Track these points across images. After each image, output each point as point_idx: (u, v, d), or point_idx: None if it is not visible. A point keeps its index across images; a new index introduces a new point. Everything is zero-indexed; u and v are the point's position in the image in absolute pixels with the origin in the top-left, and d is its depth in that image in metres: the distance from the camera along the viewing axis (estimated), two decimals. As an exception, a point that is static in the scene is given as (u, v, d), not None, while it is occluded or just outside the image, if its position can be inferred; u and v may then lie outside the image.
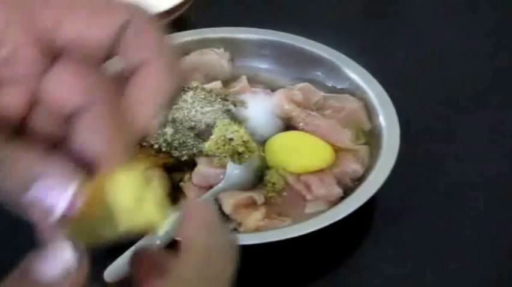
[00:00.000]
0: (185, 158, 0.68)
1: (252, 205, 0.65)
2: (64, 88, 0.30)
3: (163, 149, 0.68)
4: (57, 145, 0.31)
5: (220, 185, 0.64)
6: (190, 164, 0.68)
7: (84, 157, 0.30)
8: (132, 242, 0.55)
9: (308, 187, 0.66)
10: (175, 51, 0.31)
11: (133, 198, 0.30)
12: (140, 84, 0.30)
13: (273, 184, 0.65)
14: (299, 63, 0.79)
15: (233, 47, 0.80)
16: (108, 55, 0.30)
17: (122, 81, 0.31)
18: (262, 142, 0.70)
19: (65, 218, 0.28)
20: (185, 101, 0.72)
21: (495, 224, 0.68)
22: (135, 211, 0.30)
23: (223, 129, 0.64)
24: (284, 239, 0.60)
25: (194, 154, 0.68)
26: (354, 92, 0.75)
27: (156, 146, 0.68)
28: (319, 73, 0.78)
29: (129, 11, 0.30)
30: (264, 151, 0.68)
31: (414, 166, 0.72)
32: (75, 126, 0.30)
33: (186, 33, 0.80)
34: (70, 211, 0.28)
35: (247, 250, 0.61)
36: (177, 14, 0.86)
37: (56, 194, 0.28)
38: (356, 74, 0.76)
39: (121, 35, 0.30)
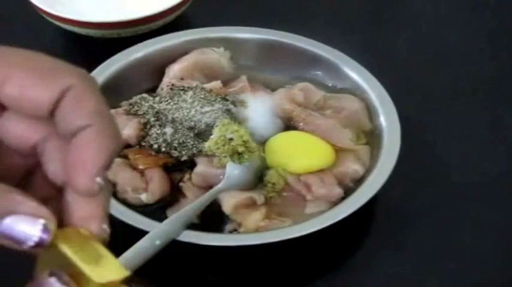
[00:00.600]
0: (185, 158, 0.68)
1: (252, 205, 0.65)
2: (22, 126, 0.33)
3: (163, 149, 0.68)
4: (27, 175, 0.34)
5: (220, 185, 0.65)
6: (190, 164, 0.68)
7: (54, 183, 0.33)
8: (131, 243, 0.55)
9: (308, 187, 0.66)
10: (111, 116, 0.33)
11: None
12: (79, 148, 0.31)
13: (273, 184, 0.65)
14: (299, 63, 0.79)
15: (233, 47, 0.80)
16: (50, 115, 0.32)
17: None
18: (262, 142, 0.70)
19: (36, 249, 0.30)
20: (185, 100, 0.72)
21: (497, 225, 0.68)
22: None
23: (223, 129, 0.64)
24: (284, 239, 0.60)
25: (194, 154, 0.68)
26: (355, 91, 0.75)
27: (155, 146, 0.68)
28: (319, 72, 0.78)
29: (73, 75, 0.32)
30: (264, 151, 0.68)
31: (415, 166, 0.72)
32: (42, 156, 0.33)
33: (185, 32, 0.80)
34: (39, 245, 0.30)
35: (247, 251, 0.62)
36: (177, 13, 0.87)
37: (25, 229, 0.30)
38: (356, 74, 0.76)
39: (61, 99, 0.31)
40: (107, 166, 0.31)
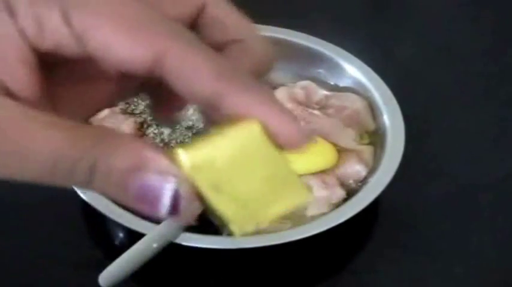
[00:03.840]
0: (183, 158, 0.68)
1: (251, 207, 0.65)
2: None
3: (160, 150, 0.68)
4: None
5: (219, 186, 0.64)
6: (188, 165, 0.68)
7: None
8: (128, 246, 0.55)
9: (309, 188, 0.66)
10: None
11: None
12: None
13: (274, 185, 0.65)
14: (300, 61, 0.79)
15: (232, 44, 0.80)
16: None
17: None
18: (263, 142, 0.70)
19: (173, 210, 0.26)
20: (183, 99, 0.72)
21: (502, 228, 0.68)
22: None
23: (222, 128, 0.64)
24: (285, 242, 0.60)
25: (192, 154, 0.68)
26: (357, 90, 0.75)
27: (152, 146, 0.68)
28: (321, 71, 0.78)
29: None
30: (264, 151, 0.68)
31: (419, 167, 0.72)
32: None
33: (183, 29, 0.80)
34: (173, 208, 0.26)
35: (246, 254, 0.62)
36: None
37: (156, 190, 0.26)
38: (359, 72, 0.76)
39: (200, 16, 0.29)
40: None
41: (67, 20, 0.26)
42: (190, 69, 0.26)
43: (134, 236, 0.56)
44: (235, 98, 0.27)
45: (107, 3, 0.27)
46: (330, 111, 0.74)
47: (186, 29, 0.28)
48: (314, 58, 0.78)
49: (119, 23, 0.26)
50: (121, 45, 0.26)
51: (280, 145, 0.29)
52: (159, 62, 0.26)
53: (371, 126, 0.73)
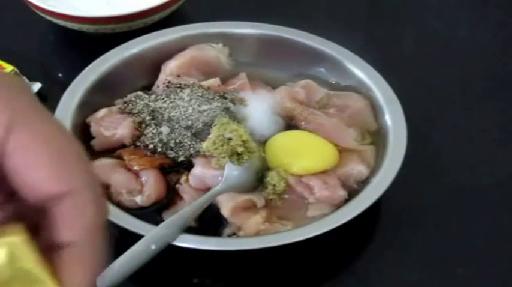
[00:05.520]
0: (182, 158, 0.68)
1: (251, 208, 0.65)
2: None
3: (159, 150, 0.68)
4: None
5: (218, 187, 0.65)
6: (187, 165, 0.68)
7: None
8: (126, 247, 0.55)
9: (310, 189, 0.66)
10: (104, 232, 0.33)
11: None
12: (67, 265, 0.32)
13: (274, 186, 0.66)
14: (301, 59, 0.79)
15: (232, 42, 0.80)
16: (40, 204, 0.32)
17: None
18: (263, 142, 0.70)
19: None
20: (182, 99, 0.72)
21: (506, 229, 0.68)
22: None
23: (222, 128, 0.64)
24: (285, 244, 0.60)
25: (191, 155, 0.68)
26: (359, 89, 0.75)
27: (151, 146, 0.68)
28: (322, 69, 0.78)
29: (79, 179, 0.32)
30: (264, 152, 0.68)
31: (422, 167, 0.72)
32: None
33: (182, 27, 0.81)
34: None
35: (247, 255, 0.62)
36: (173, 7, 0.87)
37: None
38: (361, 71, 0.76)
39: (62, 198, 0.32)
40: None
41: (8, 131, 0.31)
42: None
43: (132, 238, 0.56)
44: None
45: (42, 124, 0.32)
46: (331, 110, 0.74)
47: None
48: (316, 57, 0.78)
49: (48, 150, 0.31)
50: (39, 176, 0.31)
51: None
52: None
53: (373, 126, 0.73)
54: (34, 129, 0.32)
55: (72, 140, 0.33)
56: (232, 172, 0.65)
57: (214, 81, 0.75)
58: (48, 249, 0.32)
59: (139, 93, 0.74)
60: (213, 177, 0.66)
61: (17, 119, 0.31)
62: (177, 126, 0.69)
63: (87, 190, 0.32)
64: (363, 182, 0.67)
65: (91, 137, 0.70)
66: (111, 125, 0.70)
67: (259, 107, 0.73)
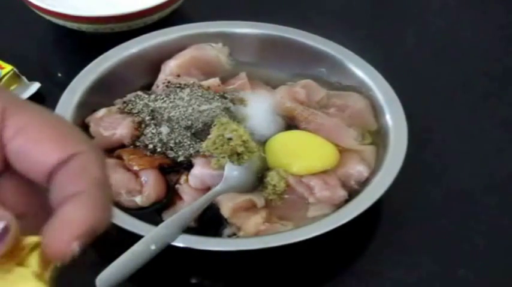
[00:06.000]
0: (181, 158, 0.68)
1: (251, 208, 0.65)
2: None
3: (159, 150, 0.68)
4: None
5: (218, 187, 0.65)
6: (187, 165, 0.68)
7: None
8: (125, 248, 0.55)
9: (311, 189, 0.66)
10: (110, 189, 0.34)
11: None
12: (67, 209, 0.32)
13: (274, 186, 0.66)
14: (301, 59, 0.79)
15: (232, 42, 0.80)
16: (47, 177, 0.33)
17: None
18: (263, 142, 0.70)
19: None
20: (181, 98, 0.72)
21: (505, 229, 0.68)
22: None
23: (222, 128, 0.64)
24: (286, 244, 0.60)
25: (191, 155, 0.68)
26: (359, 89, 0.75)
27: (150, 146, 0.68)
28: (322, 69, 0.78)
29: (83, 143, 0.33)
30: (264, 152, 0.68)
31: (422, 167, 0.72)
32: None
33: (182, 27, 0.80)
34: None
35: (247, 256, 0.62)
36: (173, 7, 0.87)
37: None
38: (361, 71, 0.76)
39: (67, 163, 0.32)
40: (88, 237, 0.32)
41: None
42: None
43: (132, 238, 0.56)
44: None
45: (34, 110, 0.33)
46: (332, 110, 0.74)
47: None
48: (316, 57, 0.78)
49: (46, 126, 0.33)
50: (47, 143, 0.32)
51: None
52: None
53: (373, 126, 0.73)
54: (27, 114, 0.33)
55: (66, 120, 0.34)
56: (232, 172, 0.65)
57: (214, 81, 0.75)
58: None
59: (139, 93, 0.74)
60: (212, 177, 0.66)
61: (9, 107, 0.32)
62: (176, 126, 0.69)
63: (90, 151, 0.33)
64: (364, 183, 0.67)
65: (90, 137, 0.70)
66: (111, 125, 0.70)
67: (259, 107, 0.73)
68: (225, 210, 0.64)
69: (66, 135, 0.33)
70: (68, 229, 0.31)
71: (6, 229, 0.31)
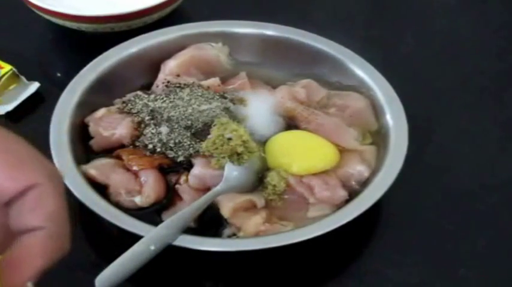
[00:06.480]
0: (181, 158, 0.68)
1: (251, 208, 0.65)
2: None
3: (158, 150, 0.68)
4: None
5: (218, 187, 0.65)
6: (187, 166, 0.68)
7: None
8: (125, 248, 0.55)
9: (311, 189, 0.66)
10: (67, 219, 0.34)
11: None
12: (23, 247, 0.33)
13: (274, 186, 0.66)
14: (302, 59, 0.79)
15: (232, 42, 0.80)
16: (8, 203, 0.33)
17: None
18: (263, 142, 0.70)
19: None
20: (181, 98, 0.72)
21: (506, 229, 0.68)
22: None
23: (222, 128, 0.64)
24: (286, 244, 0.60)
25: (191, 155, 0.68)
26: (360, 89, 0.75)
27: (150, 146, 0.68)
28: (322, 69, 0.78)
29: (42, 173, 0.33)
30: (264, 152, 0.68)
31: (423, 167, 0.72)
32: None
33: (182, 26, 0.80)
34: None
35: (247, 256, 0.62)
36: (173, 6, 0.87)
37: None
38: (362, 70, 0.76)
39: (24, 193, 0.33)
40: (43, 272, 0.33)
41: None
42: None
43: (131, 238, 0.56)
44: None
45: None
46: (332, 110, 0.74)
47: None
48: (316, 56, 0.78)
49: (3, 153, 0.33)
50: (3, 172, 0.32)
51: None
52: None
53: (374, 126, 0.73)
54: None
55: (21, 140, 0.34)
56: (232, 172, 0.65)
57: (214, 81, 0.75)
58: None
59: (139, 92, 0.74)
60: (212, 177, 0.66)
61: None
62: (176, 126, 0.69)
63: (47, 182, 0.33)
64: (364, 183, 0.67)
65: (90, 137, 0.70)
66: (110, 125, 0.70)
67: (259, 107, 0.73)
68: (225, 210, 0.64)
69: (23, 164, 0.33)
70: (22, 271, 0.32)
71: None
